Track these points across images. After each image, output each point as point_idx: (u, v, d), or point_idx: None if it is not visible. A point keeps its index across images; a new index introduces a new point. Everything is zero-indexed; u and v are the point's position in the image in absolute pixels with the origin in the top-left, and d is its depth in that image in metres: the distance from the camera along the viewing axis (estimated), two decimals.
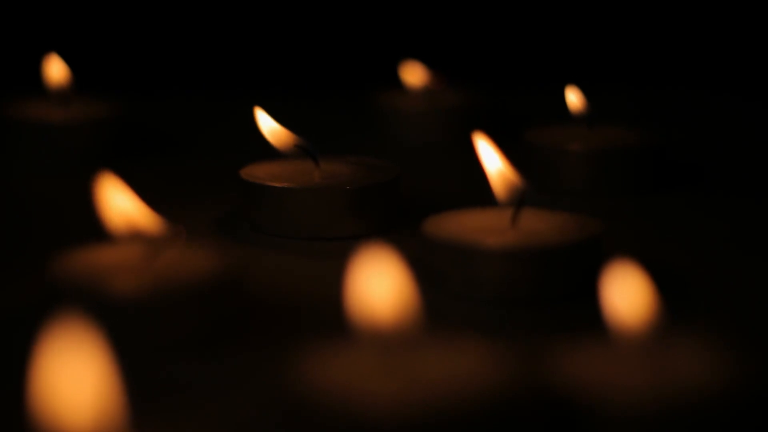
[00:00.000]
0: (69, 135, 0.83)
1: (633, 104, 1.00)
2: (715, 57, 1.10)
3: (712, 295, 0.57)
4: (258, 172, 0.67)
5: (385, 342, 0.43)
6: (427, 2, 1.13)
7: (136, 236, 0.53)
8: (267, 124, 0.68)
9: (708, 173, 0.81)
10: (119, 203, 0.54)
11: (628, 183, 0.75)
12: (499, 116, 0.92)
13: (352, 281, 0.44)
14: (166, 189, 0.75)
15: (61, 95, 0.85)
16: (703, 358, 0.43)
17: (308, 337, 0.46)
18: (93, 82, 0.88)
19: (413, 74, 0.93)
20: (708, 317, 0.54)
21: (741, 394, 0.41)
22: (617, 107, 0.88)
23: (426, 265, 0.58)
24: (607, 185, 0.74)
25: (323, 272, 0.60)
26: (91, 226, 0.67)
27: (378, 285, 0.44)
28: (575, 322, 0.53)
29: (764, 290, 0.58)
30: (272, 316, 0.55)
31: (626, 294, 0.44)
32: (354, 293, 0.44)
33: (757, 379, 0.42)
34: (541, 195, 0.59)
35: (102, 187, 0.55)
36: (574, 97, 0.77)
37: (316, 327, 0.52)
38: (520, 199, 0.59)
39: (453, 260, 0.56)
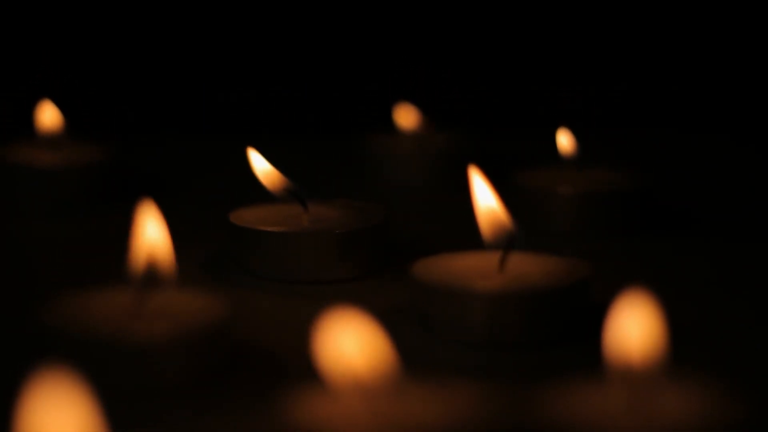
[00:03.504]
0: (60, 178, 0.83)
1: (621, 147, 1.01)
2: (706, 99, 1.11)
3: (701, 339, 0.57)
4: (247, 216, 0.68)
5: (370, 387, 0.43)
6: (416, 46, 1.13)
7: (150, 274, 0.53)
8: (260, 166, 0.69)
9: (696, 216, 0.81)
10: (151, 236, 0.54)
11: (617, 225, 0.75)
12: (489, 159, 0.93)
13: (324, 336, 0.44)
14: None
15: (53, 140, 0.85)
16: (692, 403, 0.43)
17: (296, 381, 0.46)
18: (85, 127, 0.88)
19: (404, 117, 0.93)
20: (696, 362, 0.54)
21: None
22: (606, 150, 0.88)
23: (414, 308, 0.58)
24: (595, 228, 0.75)
25: (312, 316, 0.60)
26: (83, 270, 0.68)
27: (349, 338, 0.44)
28: (564, 366, 0.53)
29: (752, 335, 0.58)
30: (261, 360, 0.54)
31: (635, 332, 0.44)
32: (327, 345, 0.44)
33: (746, 425, 0.42)
34: (529, 238, 0.60)
35: (140, 217, 0.55)
36: (565, 140, 0.78)
37: (304, 371, 0.52)
38: (508, 243, 0.59)
39: (441, 304, 0.56)
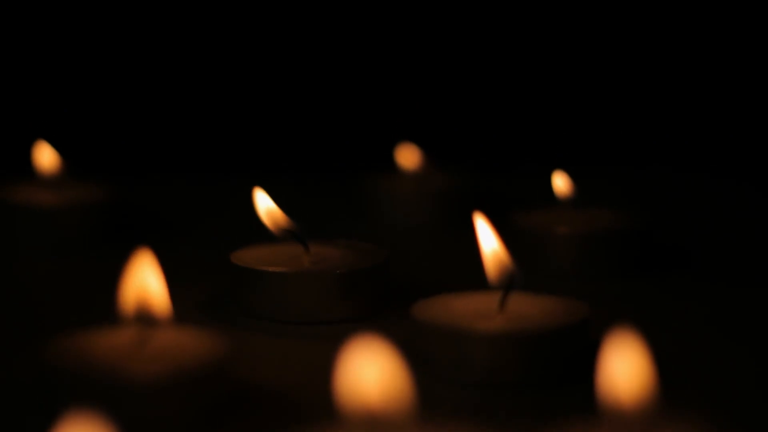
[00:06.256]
0: (61, 218, 0.83)
1: (619, 187, 1.01)
2: (703, 139, 1.11)
3: (698, 381, 0.57)
4: (247, 257, 0.68)
5: (374, 427, 0.43)
6: (417, 86, 1.14)
7: (142, 315, 0.53)
8: (264, 205, 0.69)
9: (694, 257, 0.81)
10: (144, 280, 0.54)
11: (615, 266, 0.75)
12: (488, 199, 0.93)
13: (343, 367, 0.44)
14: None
15: (53, 180, 0.86)
16: None
17: (298, 421, 0.46)
18: (85, 167, 0.89)
19: (406, 157, 0.93)
20: (692, 403, 0.54)
21: None
22: (603, 190, 0.88)
23: (414, 348, 0.58)
24: (593, 268, 0.75)
25: (313, 356, 0.60)
26: (84, 309, 0.68)
27: (370, 372, 0.44)
28: (563, 407, 0.53)
29: (748, 377, 0.58)
30: (262, 400, 0.55)
31: (625, 372, 0.44)
32: (345, 379, 0.44)
33: None
34: (528, 278, 0.60)
35: (133, 261, 0.55)
36: (561, 182, 0.78)
37: (306, 411, 0.52)
38: (509, 283, 0.59)
39: (441, 344, 0.56)
